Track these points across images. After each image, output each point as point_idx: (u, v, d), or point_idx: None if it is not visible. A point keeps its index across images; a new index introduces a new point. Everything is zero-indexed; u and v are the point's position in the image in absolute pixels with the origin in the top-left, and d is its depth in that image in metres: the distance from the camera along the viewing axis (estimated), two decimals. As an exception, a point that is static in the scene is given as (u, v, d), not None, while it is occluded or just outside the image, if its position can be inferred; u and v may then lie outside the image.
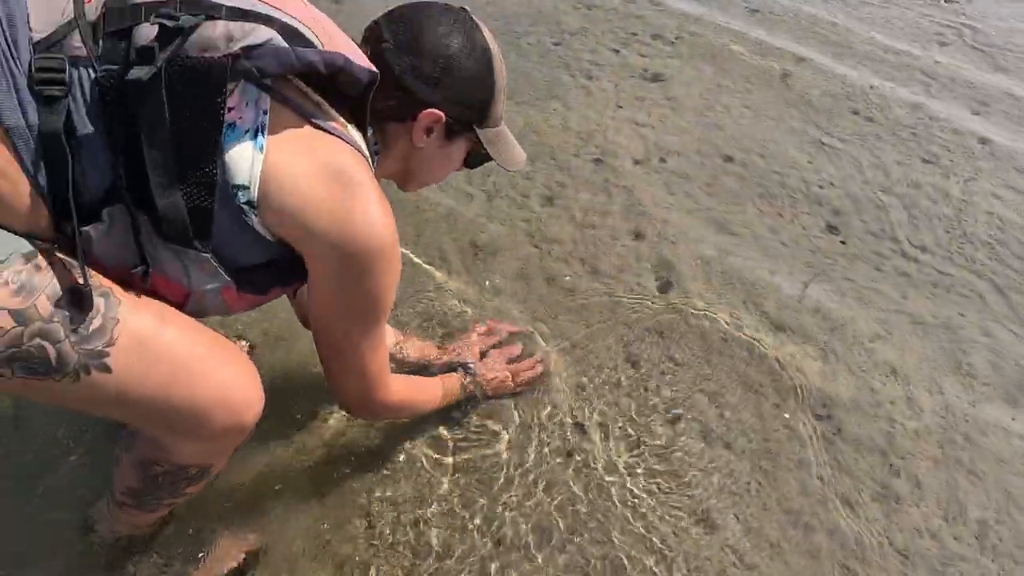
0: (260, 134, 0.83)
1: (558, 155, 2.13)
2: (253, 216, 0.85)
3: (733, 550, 1.27)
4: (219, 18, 0.79)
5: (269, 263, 0.92)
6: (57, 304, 0.79)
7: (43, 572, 1.18)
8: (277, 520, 1.26)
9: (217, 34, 0.78)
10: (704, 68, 2.56)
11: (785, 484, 1.37)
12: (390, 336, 1.45)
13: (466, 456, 1.39)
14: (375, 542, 1.25)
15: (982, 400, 1.55)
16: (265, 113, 0.83)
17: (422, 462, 1.37)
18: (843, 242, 1.91)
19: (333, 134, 0.89)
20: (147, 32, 0.77)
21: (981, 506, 1.36)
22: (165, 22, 0.76)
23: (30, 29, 0.77)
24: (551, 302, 1.69)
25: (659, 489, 1.35)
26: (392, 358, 1.42)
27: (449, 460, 1.38)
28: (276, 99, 0.85)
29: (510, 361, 1.50)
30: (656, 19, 2.82)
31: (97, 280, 0.83)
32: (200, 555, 1.19)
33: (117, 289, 0.85)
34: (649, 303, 1.71)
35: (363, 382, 1.07)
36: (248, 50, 0.79)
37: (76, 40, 0.77)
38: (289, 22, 0.83)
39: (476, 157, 1.14)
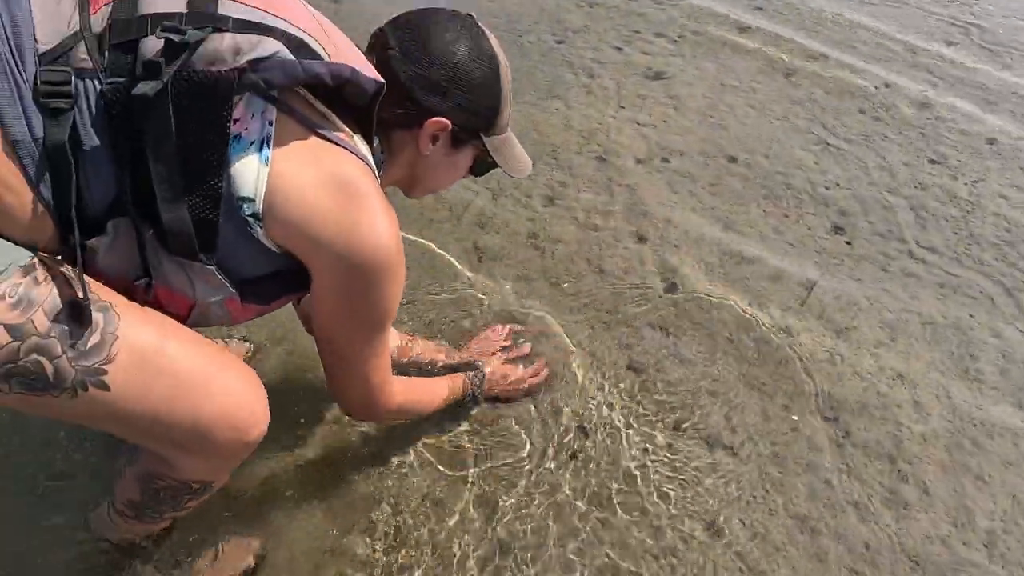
0: (266, 146, 0.82)
1: (560, 154, 2.11)
2: (258, 228, 0.85)
3: (739, 555, 1.26)
4: (226, 30, 0.78)
5: (274, 274, 0.92)
6: (55, 319, 0.78)
7: (43, 573, 1.17)
8: (280, 525, 1.25)
9: (224, 47, 0.78)
10: (707, 66, 2.54)
11: (792, 488, 1.36)
12: (395, 338, 1.44)
13: (470, 459, 1.37)
14: (378, 547, 1.24)
15: (990, 403, 1.54)
16: (271, 124, 0.83)
17: (425, 466, 1.36)
18: (849, 243, 1.90)
19: (339, 145, 0.88)
20: (153, 45, 0.77)
21: (989, 515, 1.34)
22: (171, 36, 0.75)
23: (36, 41, 0.76)
24: (554, 303, 1.68)
25: (665, 493, 1.34)
26: (397, 360, 1.41)
27: (452, 463, 1.36)
28: (282, 110, 0.84)
29: (518, 363, 1.49)
30: (658, 17, 2.80)
31: (97, 293, 0.82)
32: (202, 560, 1.19)
33: (118, 303, 0.83)
34: (654, 304, 1.69)
35: (365, 387, 1.07)
36: (255, 63, 0.78)
37: (82, 52, 0.77)
38: (296, 34, 0.83)
39: (482, 164, 1.13)
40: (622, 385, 1.52)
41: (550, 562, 1.23)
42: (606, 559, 1.24)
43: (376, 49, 1.01)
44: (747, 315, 1.68)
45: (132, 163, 0.78)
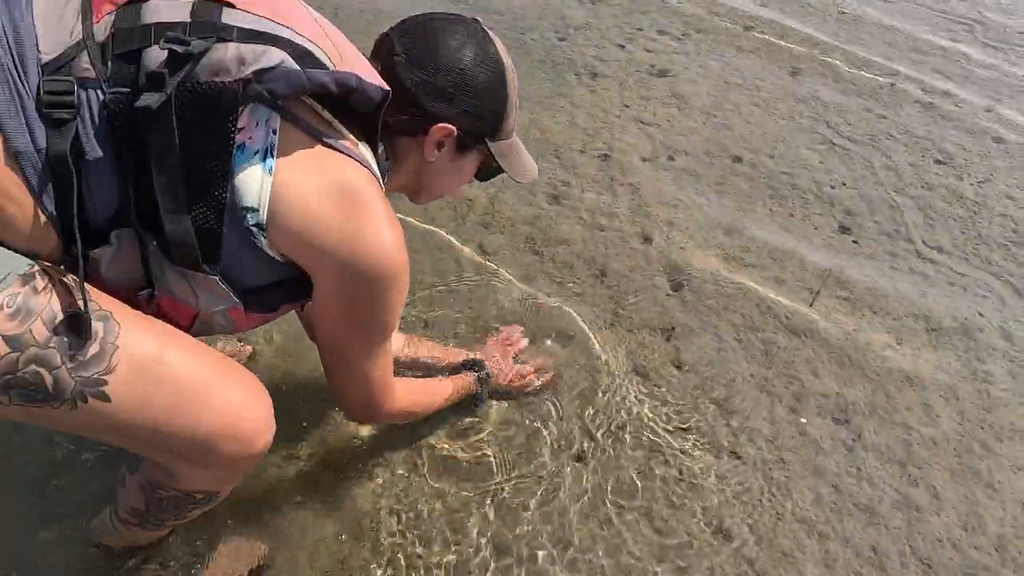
0: (269, 155, 0.82)
1: (563, 153, 2.10)
2: (262, 238, 0.84)
3: (747, 560, 1.25)
4: (230, 40, 0.77)
5: (278, 283, 0.91)
6: (54, 329, 0.77)
7: (43, 573, 1.16)
8: (284, 529, 1.24)
9: (228, 57, 0.77)
10: (711, 64, 2.52)
11: (799, 492, 1.34)
12: (398, 339, 1.42)
13: (474, 463, 1.36)
14: (382, 551, 1.22)
15: (999, 405, 1.52)
16: (275, 133, 0.82)
17: (430, 469, 1.34)
18: (856, 242, 1.88)
19: (343, 153, 0.88)
20: (157, 55, 0.76)
21: (999, 521, 1.33)
22: (175, 48, 0.74)
23: (39, 51, 0.76)
24: (556, 303, 1.66)
25: (671, 496, 1.32)
26: (400, 361, 1.40)
27: (457, 466, 1.35)
28: (286, 119, 0.84)
29: (523, 362, 1.48)
30: (662, 13, 2.78)
31: (97, 302, 0.81)
32: (206, 563, 1.17)
33: (118, 312, 0.82)
34: (660, 305, 1.67)
35: (368, 393, 1.07)
36: (259, 74, 0.77)
37: (85, 62, 0.76)
38: (301, 43, 0.82)
39: (488, 170, 1.13)
40: (628, 387, 1.50)
41: (556, 565, 1.22)
42: (612, 562, 1.23)
43: (381, 55, 1.00)
44: (755, 315, 1.66)
45: (135, 174, 0.77)
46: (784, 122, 2.29)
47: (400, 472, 1.33)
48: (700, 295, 1.70)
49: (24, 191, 0.75)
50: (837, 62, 2.57)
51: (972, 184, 2.09)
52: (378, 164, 0.96)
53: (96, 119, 0.76)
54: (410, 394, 1.20)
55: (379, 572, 1.20)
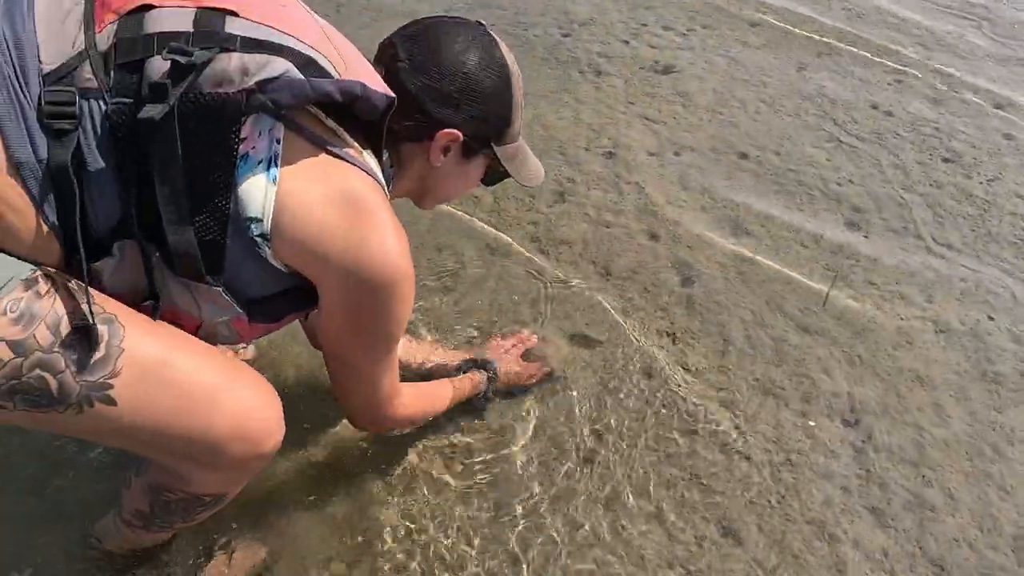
0: (273, 164, 0.81)
1: (568, 150, 2.08)
2: (266, 248, 0.83)
3: (758, 563, 1.23)
4: (233, 50, 0.77)
5: (282, 292, 0.91)
6: (58, 333, 0.76)
7: (44, 573, 1.15)
8: (287, 532, 1.23)
9: (232, 67, 0.76)
10: (717, 60, 2.50)
11: (807, 493, 1.33)
12: (404, 343, 1.41)
13: (479, 465, 1.34)
14: (385, 555, 1.21)
15: (1009, 406, 1.51)
16: (278, 142, 0.81)
17: (435, 471, 1.33)
18: (866, 234, 1.86)
19: (348, 161, 0.87)
20: (159, 66, 0.75)
21: (1013, 522, 1.32)
22: (178, 58, 0.74)
23: (40, 61, 0.75)
24: (561, 304, 1.64)
25: (680, 498, 1.31)
26: (404, 364, 1.38)
27: (462, 468, 1.34)
28: (290, 128, 0.83)
29: (529, 357, 1.48)
30: (667, 9, 2.75)
31: (102, 306, 0.80)
32: (208, 566, 1.16)
33: (123, 314, 0.81)
34: (665, 305, 1.66)
35: (373, 402, 1.06)
36: (263, 84, 0.77)
37: (87, 72, 0.75)
38: (305, 51, 0.81)
39: (494, 174, 1.12)
40: (635, 388, 1.49)
41: (562, 566, 1.21)
42: (619, 563, 1.21)
43: (384, 60, 0.99)
44: (763, 315, 1.64)
45: (138, 185, 0.77)
46: (790, 119, 2.26)
47: (403, 473, 1.32)
48: (708, 293, 1.69)
49: (26, 201, 0.75)
50: (844, 59, 2.55)
51: (981, 182, 2.07)
52: (383, 171, 0.95)
53: (98, 130, 0.75)
54: (417, 400, 1.19)
55: (381, 573, 1.18)
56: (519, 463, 1.35)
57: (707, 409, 1.46)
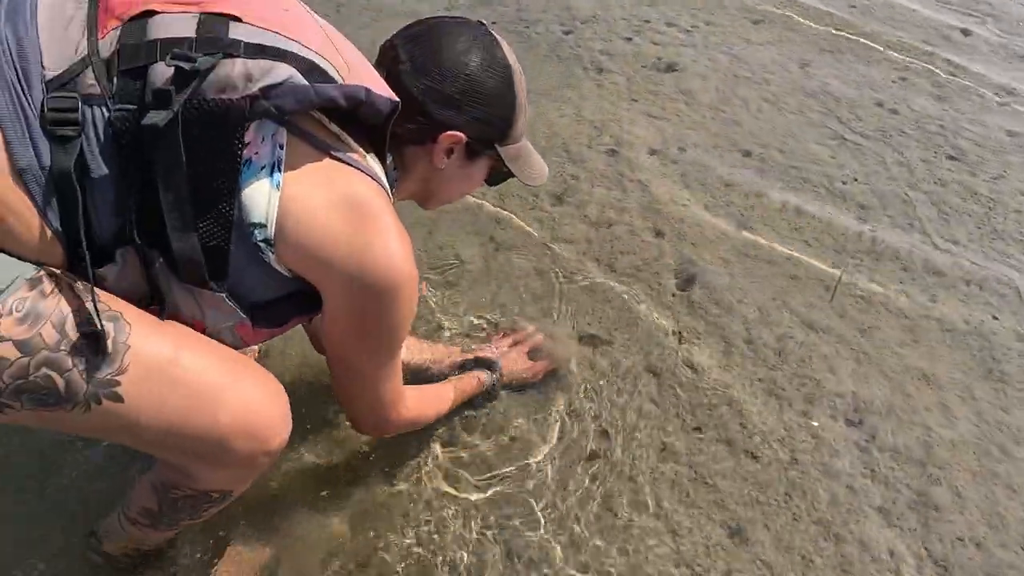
0: (277, 170, 0.81)
1: (571, 147, 2.06)
2: (270, 254, 0.83)
3: (765, 564, 1.22)
4: (237, 56, 0.77)
5: (285, 297, 0.91)
6: (63, 331, 0.76)
7: (44, 573, 1.15)
8: (291, 534, 1.22)
9: (236, 73, 0.76)
10: (720, 58, 2.48)
11: (814, 493, 1.32)
12: (408, 344, 1.40)
13: (485, 464, 1.34)
14: (390, 555, 1.21)
15: (1015, 406, 1.50)
16: (282, 148, 0.82)
17: (440, 472, 1.32)
18: (872, 230, 1.85)
19: (352, 165, 0.87)
20: (163, 72, 0.75)
21: (1021, 521, 1.31)
22: (182, 65, 0.73)
23: (43, 67, 0.75)
24: (567, 302, 1.63)
25: (686, 498, 1.30)
26: (406, 365, 1.37)
27: (467, 469, 1.33)
28: (293, 133, 0.83)
29: (534, 354, 1.48)
30: (669, 5, 2.74)
31: (107, 303, 0.80)
32: (212, 569, 1.16)
33: (129, 312, 0.81)
34: (669, 303, 1.65)
35: (377, 406, 1.06)
36: (267, 90, 0.77)
37: (90, 78, 0.75)
38: (308, 56, 0.81)
39: (498, 175, 1.12)
40: (641, 387, 1.48)
41: (568, 567, 1.20)
42: (626, 564, 1.21)
43: (386, 62, 0.99)
44: (767, 313, 1.63)
45: (141, 191, 0.77)
46: (794, 116, 2.25)
47: (408, 474, 1.31)
48: (713, 290, 1.68)
49: (29, 207, 0.75)
50: (847, 55, 2.54)
51: (986, 180, 2.06)
52: (387, 174, 0.94)
53: (101, 136, 0.75)
54: (420, 404, 1.19)
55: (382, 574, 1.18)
56: (525, 464, 1.34)
57: (713, 408, 1.45)
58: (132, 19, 0.77)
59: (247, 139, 0.78)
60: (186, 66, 0.73)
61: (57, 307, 0.76)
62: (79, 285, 0.78)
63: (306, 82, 0.78)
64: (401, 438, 1.35)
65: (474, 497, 1.29)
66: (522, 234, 1.79)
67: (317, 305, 0.92)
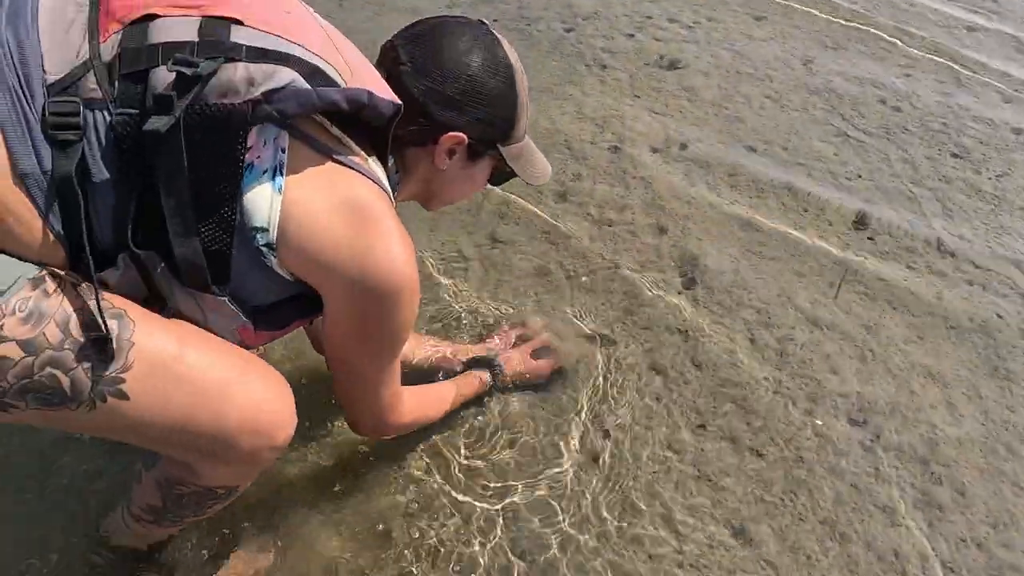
0: (279, 174, 0.81)
1: (573, 144, 2.05)
2: (272, 258, 0.83)
3: (769, 564, 1.21)
4: (239, 60, 0.76)
5: (287, 299, 0.90)
6: (67, 330, 0.76)
7: (44, 574, 1.14)
8: (294, 534, 1.21)
9: (238, 77, 0.76)
10: (722, 54, 2.47)
11: (819, 492, 1.31)
12: (409, 341, 1.38)
13: (488, 465, 1.33)
14: (392, 555, 1.20)
15: (1021, 405, 1.49)
16: (284, 152, 0.81)
17: (442, 474, 1.31)
18: (871, 239, 1.84)
19: (353, 169, 0.87)
20: (164, 76, 0.74)
21: (1027, 520, 1.31)
22: (183, 70, 0.73)
23: (44, 71, 0.75)
24: (570, 300, 1.62)
25: (690, 498, 1.29)
26: (408, 360, 1.37)
27: (470, 470, 1.32)
28: (295, 136, 0.83)
29: (538, 354, 1.46)
30: (671, 2, 2.73)
31: (110, 301, 0.79)
32: (215, 569, 1.15)
33: (132, 310, 0.81)
34: (672, 302, 1.64)
35: (376, 409, 1.06)
36: (269, 94, 0.77)
37: (91, 82, 0.75)
38: (310, 60, 0.80)
39: (501, 174, 1.12)
40: (643, 384, 1.47)
41: (571, 568, 1.19)
42: (630, 564, 1.20)
43: (386, 64, 0.98)
44: (771, 312, 1.63)
45: (143, 196, 0.77)
46: (797, 114, 2.24)
47: (410, 476, 1.31)
48: (718, 287, 1.67)
49: (31, 210, 0.74)
50: (851, 52, 2.52)
51: (991, 178, 2.05)
52: (389, 177, 0.94)
53: (103, 141, 0.75)
54: (419, 406, 1.18)
55: (392, 577, 1.17)
56: (525, 463, 1.33)
57: (717, 406, 1.44)
58: (133, 23, 0.77)
59: (249, 143, 0.78)
60: (187, 71, 0.73)
61: (60, 306, 0.76)
62: (82, 284, 0.78)
63: (308, 86, 0.78)
64: (404, 439, 1.35)
65: (474, 497, 1.28)
66: (525, 231, 1.78)
67: (319, 308, 0.92)
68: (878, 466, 1.36)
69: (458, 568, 1.19)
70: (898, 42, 2.60)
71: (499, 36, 1.02)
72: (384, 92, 0.87)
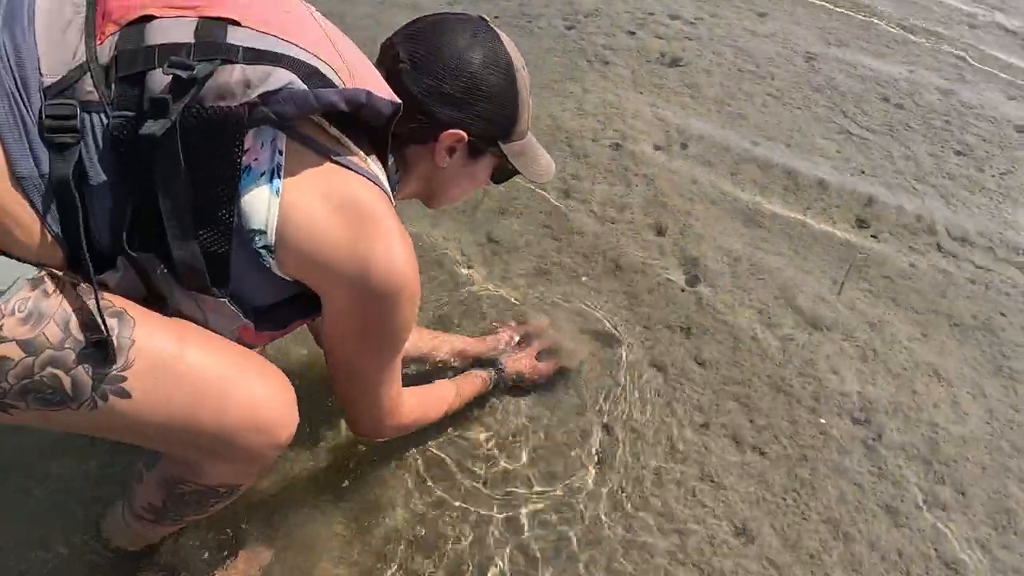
0: (276, 176, 0.80)
1: (575, 142, 2.05)
2: (271, 260, 0.83)
3: (772, 563, 1.21)
4: (236, 61, 0.76)
5: (288, 300, 0.90)
6: (67, 330, 0.75)
7: (45, 574, 1.14)
8: (294, 535, 1.21)
9: (234, 80, 0.75)
10: (724, 51, 2.46)
11: (823, 492, 1.31)
12: (413, 335, 1.38)
13: (487, 466, 1.32)
14: (393, 556, 1.19)
15: (1024, 402, 1.49)
16: (281, 153, 0.81)
17: (443, 474, 1.31)
18: (875, 236, 1.83)
19: (352, 169, 0.86)
20: (161, 79, 0.74)
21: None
22: (179, 73, 0.73)
23: (41, 74, 0.74)
24: (572, 299, 1.62)
25: (692, 497, 1.29)
26: (413, 357, 1.37)
27: (471, 469, 1.32)
28: (292, 137, 0.82)
29: (541, 355, 1.46)
30: None
31: (110, 300, 0.79)
32: (214, 569, 1.15)
33: (132, 309, 0.80)
34: (675, 300, 1.63)
35: (376, 410, 1.05)
36: (266, 96, 0.76)
37: (88, 84, 0.75)
38: (308, 60, 0.79)
39: (503, 172, 1.11)
40: (646, 383, 1.46)
41: (574, 568, 1.19)
42: (632, 565, 1.20)
43: (386, 62, 0.97)
44: (773, 310, 1.62)
45: (141, 198, 0.76)
46: (799, 111, 2.23)
47: (410, 476, 1.30)
48: (719, 286, 1.66)
49: (29, 214, 0.74)
50: (854, 49, 2.51)
51: (994, 175, 2.04)
52: (388, 176, 0.94)
53: (100, 143, 0.75)
54: (420, 406, 1.18)
55: (393, 576, 1.16)
56: (526, 463, 1.32)
57: (720, 404, 1.43)
58: (130, 24, 0.77)
59: (246, 145, 0.77)
60: (183, 74, 0.72)
61: (60, 306, 0.75)
62: (82, 284, 0.77)
63: (305, 87, 0.77)
64: (406, 441, 1.34)
65: (475, 496, 1.27)
66: (526, 230, 1.77)
67: (319, 307, 0.91)
68: (882, 465, 1.36)
69: (458, 567, 1.18)
70: (901, 38, 2.59)
71: (500, 32, 1.01)
72: (383, 91, 0.86)
